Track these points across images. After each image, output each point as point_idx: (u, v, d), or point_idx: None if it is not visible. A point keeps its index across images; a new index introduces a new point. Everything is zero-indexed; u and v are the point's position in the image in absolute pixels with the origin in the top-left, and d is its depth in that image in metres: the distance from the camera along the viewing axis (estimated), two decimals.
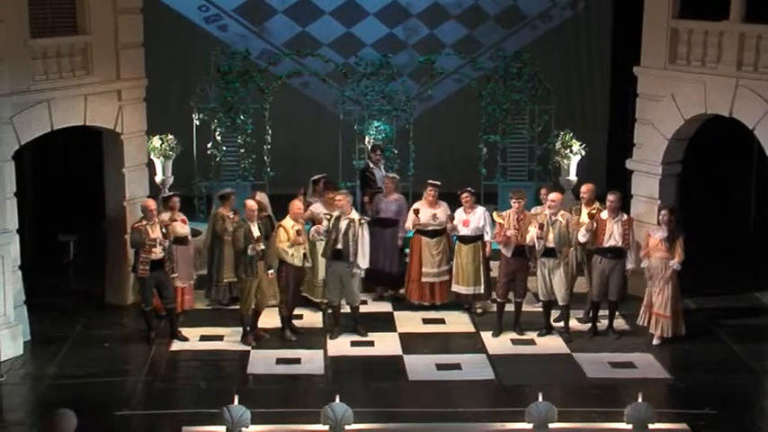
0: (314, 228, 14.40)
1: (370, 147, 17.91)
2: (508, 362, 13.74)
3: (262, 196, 15.66)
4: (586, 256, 14.68)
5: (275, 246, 14.19)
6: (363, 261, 14.40)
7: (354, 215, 14.39)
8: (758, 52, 14.44)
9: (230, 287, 15.42)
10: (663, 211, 14.10)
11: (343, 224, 14.22)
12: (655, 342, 14.09)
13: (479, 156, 18.88)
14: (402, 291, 15.71)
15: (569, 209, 14.88)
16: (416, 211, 15.26)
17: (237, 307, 14.51)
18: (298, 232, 14.00)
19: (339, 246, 14.19)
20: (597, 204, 14.79)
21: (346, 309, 14.57)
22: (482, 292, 15.29)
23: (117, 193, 15.47)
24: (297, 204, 14.32)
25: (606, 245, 14.25)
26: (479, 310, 15.35)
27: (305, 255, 14.22)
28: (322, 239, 14.35)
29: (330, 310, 14.70)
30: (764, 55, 14.40)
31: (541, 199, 15.18)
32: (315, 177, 15.98)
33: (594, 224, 14.25)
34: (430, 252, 15.36)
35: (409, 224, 15.38)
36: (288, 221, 14.16)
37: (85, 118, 14.78)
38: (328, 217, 14.30)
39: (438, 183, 15.52)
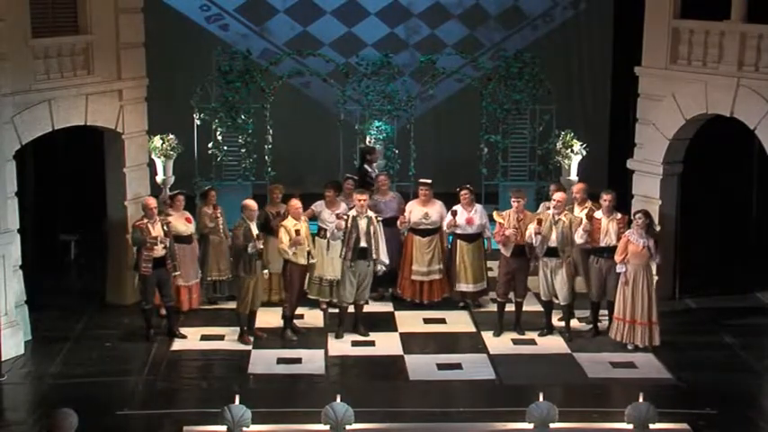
0: (336, 223, 14.34)
1: (362, 148, 17.85)
2: (509, 362, 13.74)
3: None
4: (585, 256, 14.67)
5: (277, 246, 14.23)
6: (385, 257, 14.48)
7: (371, 213, 14.41)
8: (759, 52, 14.43)
9: (215, 285, 15.51)
10: (638, 215, 13.90)
11: (363, 223, 14.22)
12: (630, 348, 14.00)
13: (480, 155, 18.90)
14: (398, 289, 15.72)
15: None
16: (402, 210, 15.29)
17: (233, 306, 14.51)
18: (297, 232, 14.00)
19: (363, 244, 14.21)
20: (590, 203, 14.81)
21: (350, 308, 14.57)
22: (485, 287, 15.39)
23: (118, 192, 15.48)
24: (294, 203, 14.31)
25: (602, 244, 14.24)
26: (478, 306, 15.38)
27: (309, 252, 14.23)
28: (340, 238, 14.31)
29: (335, 310, 14.67)
30: (765, 55, 14.39)
31: (551, 196, 15.07)
32: (347, 177, 16.05)
33: (591, 225, 14.23)
34: (420, 251, 15.36)
35: (398, 223, 15.40)
36: (289, 221, 14.17)
37: (87, 118, 14.79)
38: (345, 217, 14.28)
39: (428, 181, 15.50)
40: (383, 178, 16.01)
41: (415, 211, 15.34)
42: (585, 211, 14.63)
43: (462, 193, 15.15)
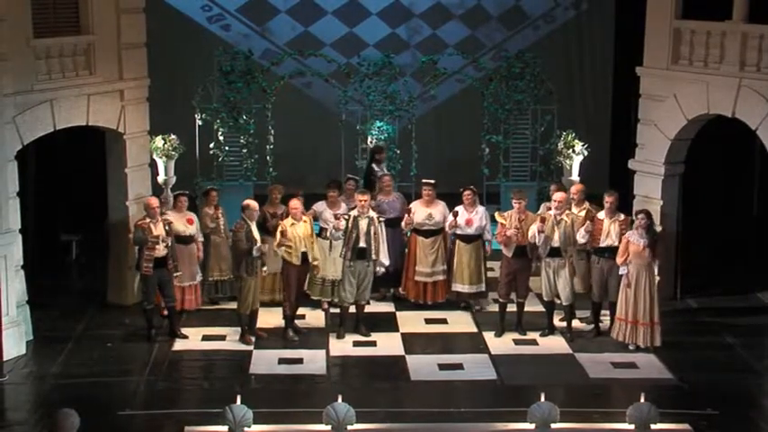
0: (334, 223, 14.38)
1: (371, 147, 17.89)
2: (510, 362, 13.74)
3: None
4: (584, 256, 14.69)
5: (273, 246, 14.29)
6: (385, 258, 14.49)
7: (372, 213, 14.41)
8: (761, 52, 14.44)
9: (216, 285, 15.54)
10: (640, 215, 13.90)
11: (363, 223, 14.23)
12: (631, 348, 14.00)
13: (482, 156, 18.90)
14: (401, 289, 15.72)
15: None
16: (409, 211, 15.28)
17: (235, 307, 14.52)
18: (282, 233, 14.02)
19: (362, 244, 14.22)
20: (588, 204, 14.82)
21: (351, 308, 14.57)
22: (483, 290, 15.35)
23: (119, 192, 15.49)
24: (291, 203, 14.32)
25: (603, 244, 14.24)
26: (477, 308, 15.40)
27: (304, 254, 14.22)
28: (341, 238, 14.34)
29: (336, 310, 14.70)
30: (767, 55, 14.40)
31: (551, 196, 15.08)
32: (348, 178, 16.12)
33: (592, 225, 14.23)
34: (424, 252, 15.35)
35: (402, 223, 15.39)
36: (288, 221, 14.20)
37: (88, 118, 14.80)
38: (346, 217, 14.30)
39: (432, 181, 15.50)
40: (387, 179, 16.01)
41: (419, 212, 15.33)
42: (584, 212, 14.64)
43: (465, 193, 15.14)
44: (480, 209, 15.30)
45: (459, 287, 15.32)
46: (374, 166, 17.03)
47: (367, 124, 18.73)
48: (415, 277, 15.45)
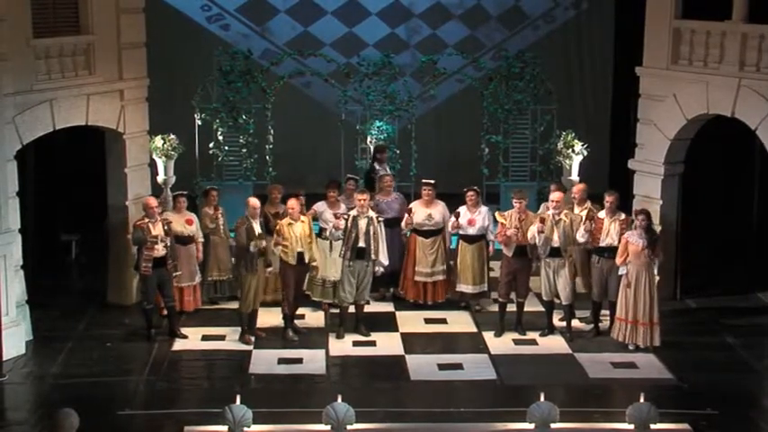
0: (334, 223, 14.39)
1: (373, 147, 17.89)
2: (510, 362, 13.74)
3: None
4: (586, 257, 14.70)
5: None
6: (384, 258, 14.49)
7: (372, 213, 14.41)
8: (760, 52, 14.43)
9: (215, 285, 15.54)
10: (640, 216, 13.90)
11: (362, 223, 14.23)
12: (631, 348, 14.00)
13: (481, 156, 18.90)
14: (400, 290, 15.71)
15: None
16: (409, 211, 15.27)
17: (236, 306, 14.52)
18: (277, 233, 14.03)
19: (362, 244, 14.21)
20: (589, 204, 14.83)
21: (350, 308, 14.56)
22: (485, 290, 15.35)
23: (119, 192, 15.49)
24: (288, 203, 14.32)
25: (603, 244, 14.24)
26: (477, 308, 15.39)
27: (300, 254, 14.20)
28: (341, 238, 14.33)
29: (336, 310, 14.69)
30: (766, 55, 14.39)
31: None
32: (348, 177, 16.12)
33: (592, 224, 14.24)
34: (424, 252, 15.36)
35: (402, 224, 15.38)
36: (285, 221, 14.20)
37: (88, 118, 14.80)
38: (346, 217, 14.30)
39: (432, 181, 15.50)
40: (388, 179, 16.01)
41: (419, 213, 15.33)
42: (585, 211, 14.64)
43: (469, 194, 15.15)
44: (483, 209, 15.31)
45: (464, 287, 15.32)
46: (376, 165, 17.04)
47: (367, 124, 18.73)
48: (414, 277, 15.45)
